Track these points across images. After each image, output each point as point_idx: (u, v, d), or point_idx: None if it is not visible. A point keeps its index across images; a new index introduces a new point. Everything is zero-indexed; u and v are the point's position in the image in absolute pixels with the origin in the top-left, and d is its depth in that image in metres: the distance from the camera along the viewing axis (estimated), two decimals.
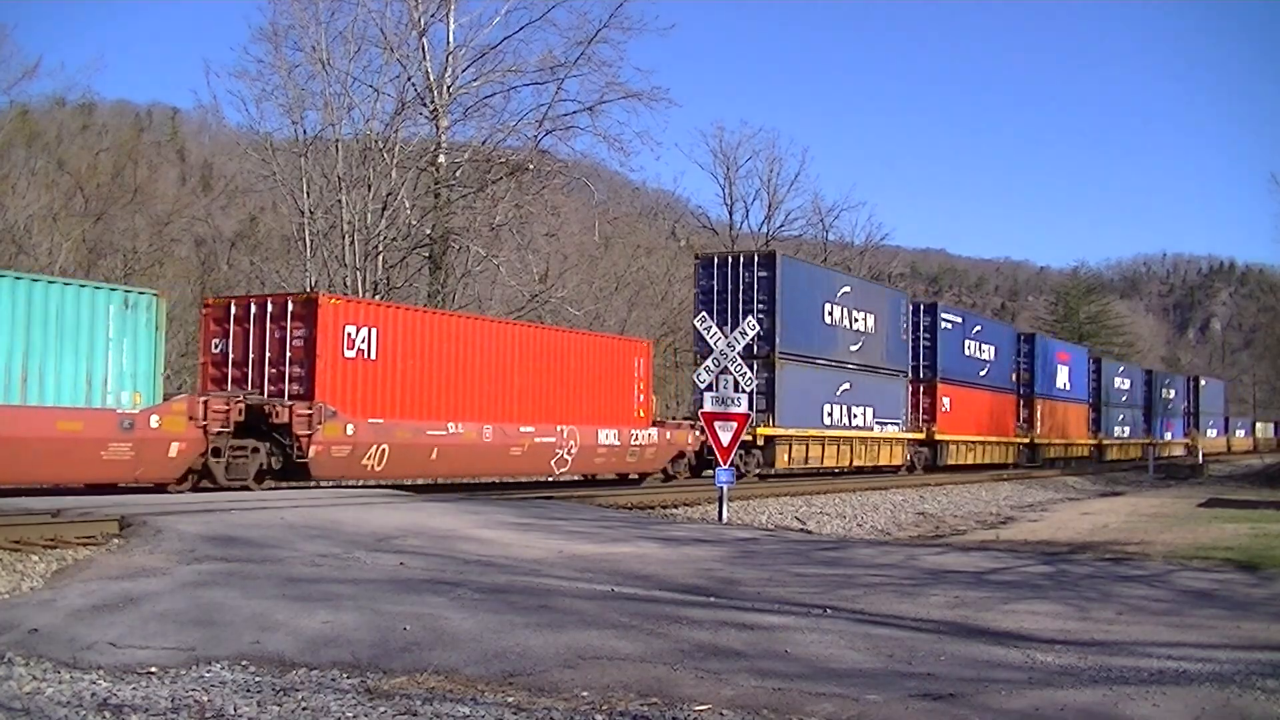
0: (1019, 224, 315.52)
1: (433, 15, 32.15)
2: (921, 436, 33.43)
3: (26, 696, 5.31)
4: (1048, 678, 6.07)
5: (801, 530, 17.46)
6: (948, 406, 34.67)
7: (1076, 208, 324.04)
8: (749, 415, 15.99)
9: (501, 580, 8.63)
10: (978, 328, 38.05)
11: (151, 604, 7.21)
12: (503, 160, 32.56)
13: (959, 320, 36.61)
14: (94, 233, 37.58)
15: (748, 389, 16.16)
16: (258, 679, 5.73)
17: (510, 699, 5.44)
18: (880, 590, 9.14)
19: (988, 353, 38.09)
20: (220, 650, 6.22)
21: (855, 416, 29.13)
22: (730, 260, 26.25)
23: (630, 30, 35.52)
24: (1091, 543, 15.37)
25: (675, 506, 18.51)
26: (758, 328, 18.06)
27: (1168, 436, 62.85)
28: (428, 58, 32.01)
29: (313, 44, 31.64)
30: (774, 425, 24.96)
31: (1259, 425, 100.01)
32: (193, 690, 5.47)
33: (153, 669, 5.88)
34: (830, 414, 27.82)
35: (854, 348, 29.24)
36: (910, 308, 33.71)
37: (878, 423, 30.40)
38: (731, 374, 16.07)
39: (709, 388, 16.33)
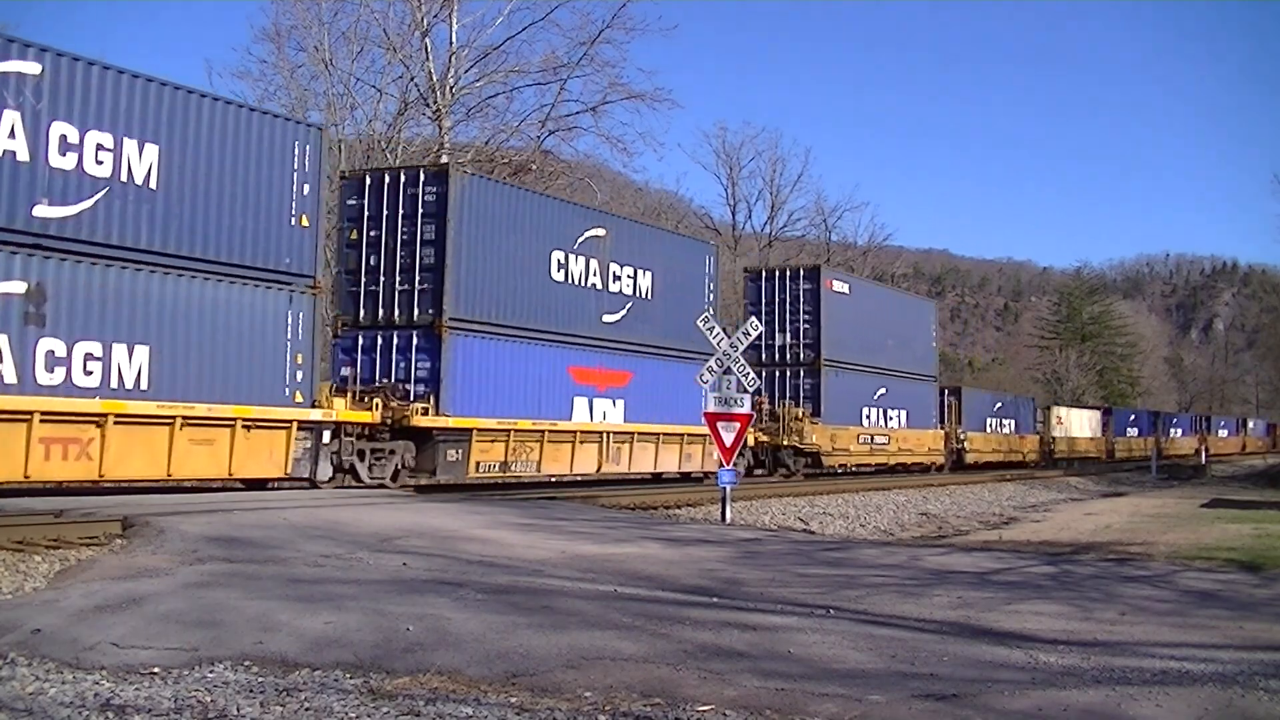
0: (1022, 224, 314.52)
1: (435, 15, 32.27)
2: None
3: (29, 697, 5.32)
4: (1051, 678, 6.06)
5: (805, 531, 17.47)
6: None
7: (1079, 208, 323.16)
8: (752, 415, 15.98)
9: (504, 581, 8.63)
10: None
11: (154, 604, 7.21)
12: (506, 161, 32.62)
13: None
14: None
15: (751, 389, 16.13)
16: (260, 679, 5.73)
17: (513, 699, 5.44)
18: (883, 591, 9.12)
19: None
20: (223, 651, 6.22)
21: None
22: None
23: (633, 30, 35.68)
24: (1094, 543, 15.37)
25: (678, 507, 18.49)
26: (761, 328, 17.98)
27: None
28: (430, 58, 32.08)
29: (315, 44, 31.78)
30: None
31: (1064, 411, 52.93)
32: (195, 691, 5.48)
33: (155, 669, 5.88)
34: None
35: None
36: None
37: None
38: (734, 374, 16.05)
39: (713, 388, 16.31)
